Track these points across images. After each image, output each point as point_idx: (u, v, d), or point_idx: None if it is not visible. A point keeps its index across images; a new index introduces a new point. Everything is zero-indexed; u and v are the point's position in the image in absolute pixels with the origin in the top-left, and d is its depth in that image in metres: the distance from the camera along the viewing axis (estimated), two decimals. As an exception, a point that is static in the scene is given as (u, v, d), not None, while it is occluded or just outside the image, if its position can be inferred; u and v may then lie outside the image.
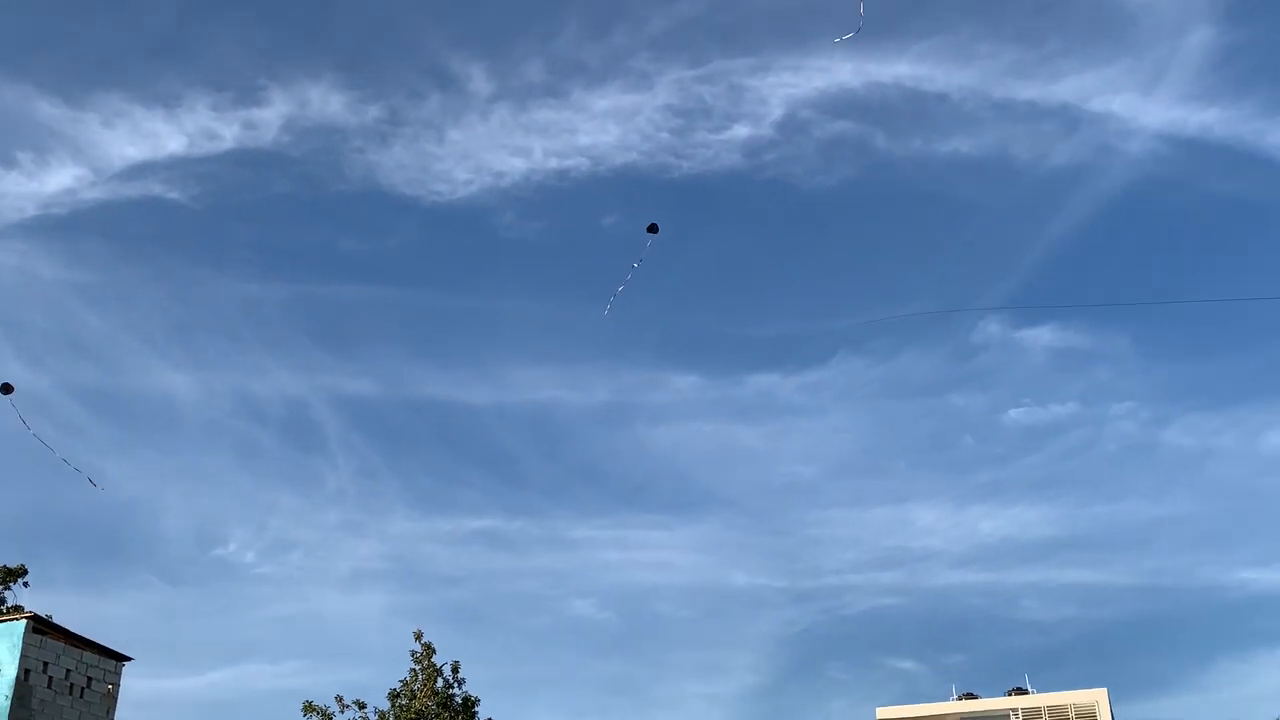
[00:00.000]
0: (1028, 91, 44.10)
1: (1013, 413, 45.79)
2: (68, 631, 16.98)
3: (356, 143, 45.91)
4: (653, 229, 19.26)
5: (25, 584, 21.91)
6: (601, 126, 45.35)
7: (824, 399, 46.88)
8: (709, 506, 46.62)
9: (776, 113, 44.78)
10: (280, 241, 48.30)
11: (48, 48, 47.10)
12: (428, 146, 45.99)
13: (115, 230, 46.18)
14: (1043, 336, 46.04)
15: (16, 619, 16.39)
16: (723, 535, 45.74)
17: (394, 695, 19.12)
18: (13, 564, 22.12)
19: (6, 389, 17.09)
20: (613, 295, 19.63)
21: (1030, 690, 24.95)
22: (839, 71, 44.41)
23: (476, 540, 45.27)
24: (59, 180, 42.15)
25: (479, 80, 46.56)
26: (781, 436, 47.04)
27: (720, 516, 46.20)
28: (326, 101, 45.73)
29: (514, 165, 45.21)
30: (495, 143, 45.77)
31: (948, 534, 44.32)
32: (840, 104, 45.31)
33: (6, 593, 21.69)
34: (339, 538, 45.30)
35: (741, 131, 45.07)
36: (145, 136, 43.84)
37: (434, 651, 19.33)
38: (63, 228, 44.41)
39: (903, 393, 47.10)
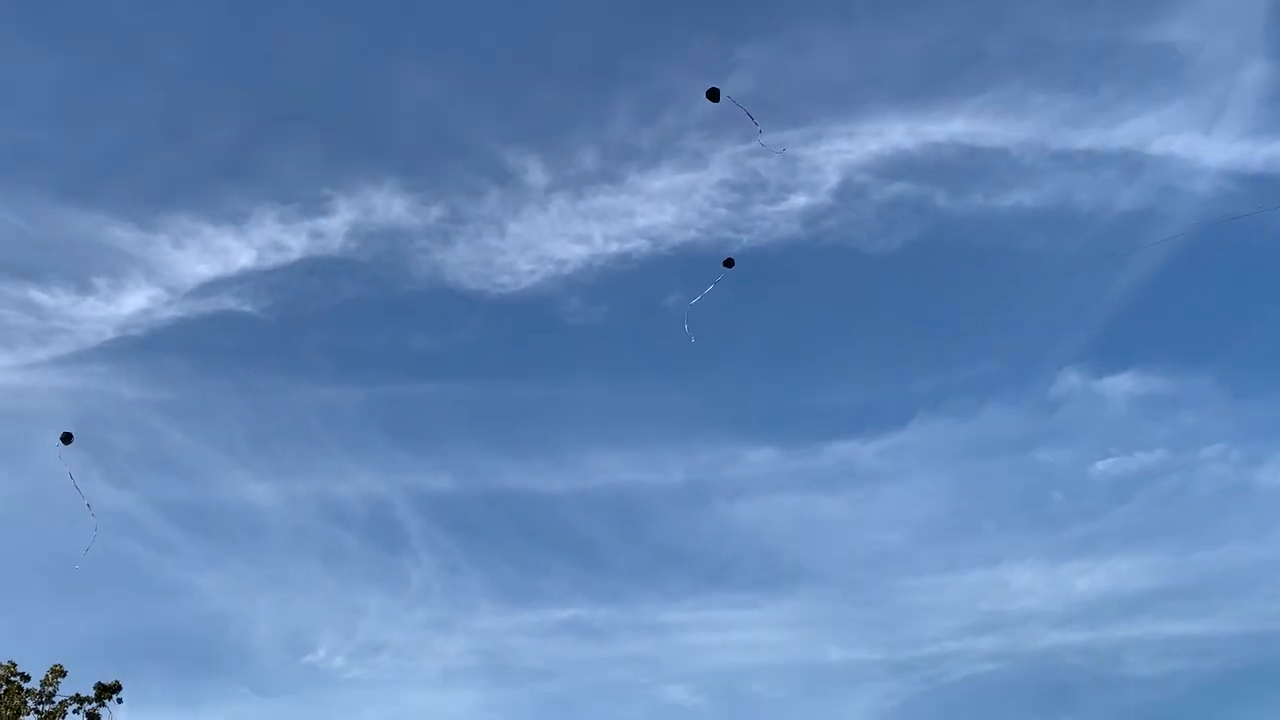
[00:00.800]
0: (1086, 140, 43.70)
1: (1100, 464, 44.68)
2: (164, 743, 16.77)
3: (421, 243, 46.23)
4: (729, 263, 19.40)
5: (119, 700, 21.88)
6: (659, 207, 45.28)
7: (906, 463, 45.90)
8: (797, 581, 45.29)
9: (833, 180, 44.59)
10: (353, 345, 48.41)
11: (117, 175, 48.24)
12: (490, 240, 46.17)
13: (192, 347, 46.41)
14: (1124, 384, 45.26)
15: (113, 733, 16.24)
16: (813, 610, 44.39)
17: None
18: (107, 680, 22.12)
19: (67, 439, 17.23)
20: (691, 305, 19.87)
21: (1147, 746, 23.91)
22: (893, 134, 44.32)
23: (564, 630, 44.24)
24: (135, 302, 43.10)
25: (535, 172, 46.75)
26: (865, 504, 45.99)
27: (809, 590, 44.86)
28: (390, 206, 46.18)
29: (575, 252, 45.33)
30: (555, 232, 45.81)
31: (1045, 593, 42.98)
32: (897, 166, 44.90)
33: (102, 709, 21.64)
34: (427, 636, 44.38)
35: (799, 201, 44.84)
36: (216, 253, 44.72)
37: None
38: (141, 348, 44.87)
39: (987, 451, 46.03)
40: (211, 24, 47.99)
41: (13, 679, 21.74)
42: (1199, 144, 42.94)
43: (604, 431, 47.80)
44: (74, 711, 21.77)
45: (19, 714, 21.22)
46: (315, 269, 46.02)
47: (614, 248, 44.95)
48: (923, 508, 45.66)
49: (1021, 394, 46.13)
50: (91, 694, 21.94)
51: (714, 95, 18.71)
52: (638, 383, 47.92)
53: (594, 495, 47.01)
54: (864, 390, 47.47)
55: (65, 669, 21.78)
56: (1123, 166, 43.87)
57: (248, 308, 44.93)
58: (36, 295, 43.02)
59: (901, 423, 46.70)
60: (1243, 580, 41.94)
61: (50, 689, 21.96)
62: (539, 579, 46.16)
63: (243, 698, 41.92)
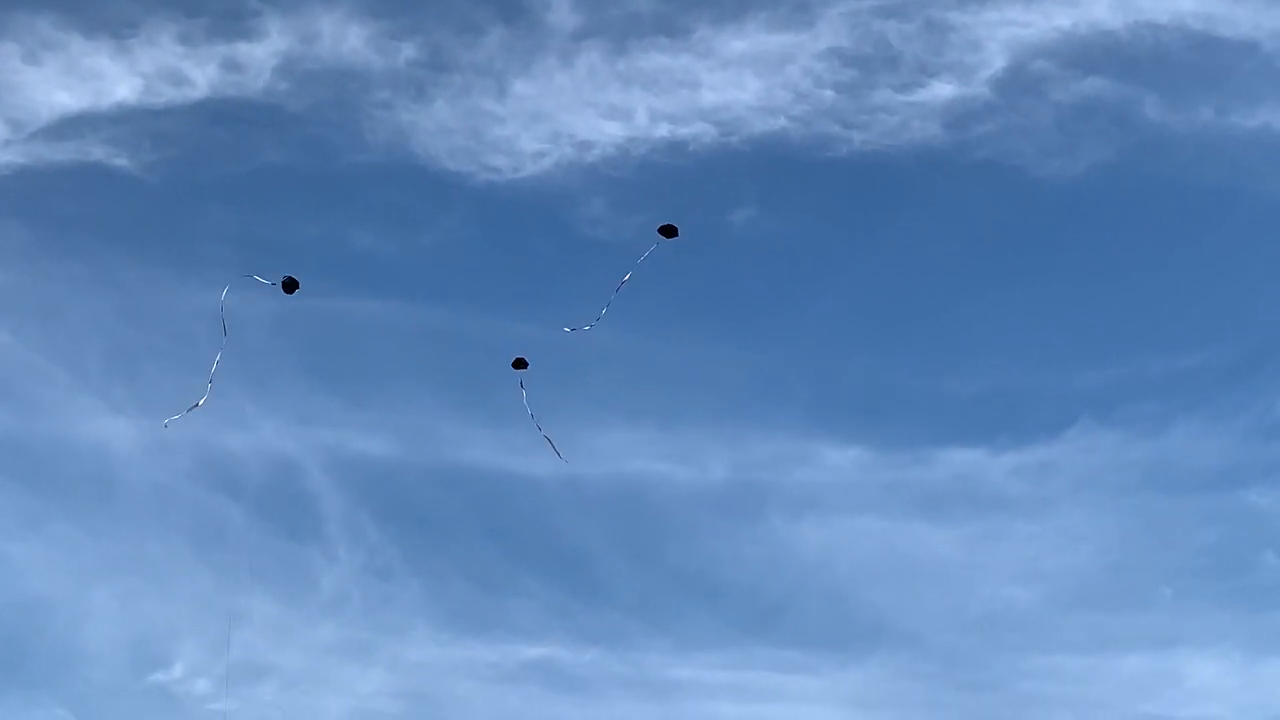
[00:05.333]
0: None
1: (1340, 520, 36.69)
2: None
3: (382, 94, 37.69)
4: (668, 231, 18.87)
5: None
6: (736, 79, 36.45)
7: (1053, 489, 37.75)
8: (876, 642, 37.50)
9: (997, 63, 35.58)
10: (268, 232, 40.29)
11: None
12: (484, 102, 37.58)
13: (37, 210, 38.52)
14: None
15: None
16: (895, 686, 35.95)
17: None
18: None
19: (290, 286, 18.59)
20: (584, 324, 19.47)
21: None
22: (1092, 6, 35.41)
23: (530, 676, 36.63)
24: (-43, 136, 36.03)
25: (560, 8, 37.62)
26: (987, 542, 37.84)
27: (892, 657, 36.53)
28: (342, 35, 37.17)
29: (607, 132, 36.65)
30: (581, 99, 37.18)
31: (1234, 698, 33.71)
32: (1093, 52, 35.83)
33: None
34: (333, 664, 36.73)
35: (943, 90, 36.00)
36: (84, 77, 36.18)
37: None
38: (-40, 204, 37.47)
39: (1174, 485, 37.90)
40: None
41: None
42: None
43: (619, 398, 38.97)
44: None
45: None
46: (225, 116, 37.29)
47: (664, 131, 37.08)
48: (1070, 557, 37.51)
49: (1235, 406, 37.53)
50: None
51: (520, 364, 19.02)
52: (676, 332, 38.98)
53: (596, 488, 38.60)
54: (1005, 376, 38.83)
55: None
56: None
57: (123, 161, 36.55)
58: None
59: (1054, 430, 38.13)
60: None
61: None
62: (503, 599, 38.20)
63: (58, 723, 33.86)
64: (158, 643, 35.47)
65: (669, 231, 19.75)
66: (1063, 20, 35.37)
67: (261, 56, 36.24)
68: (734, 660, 35.95)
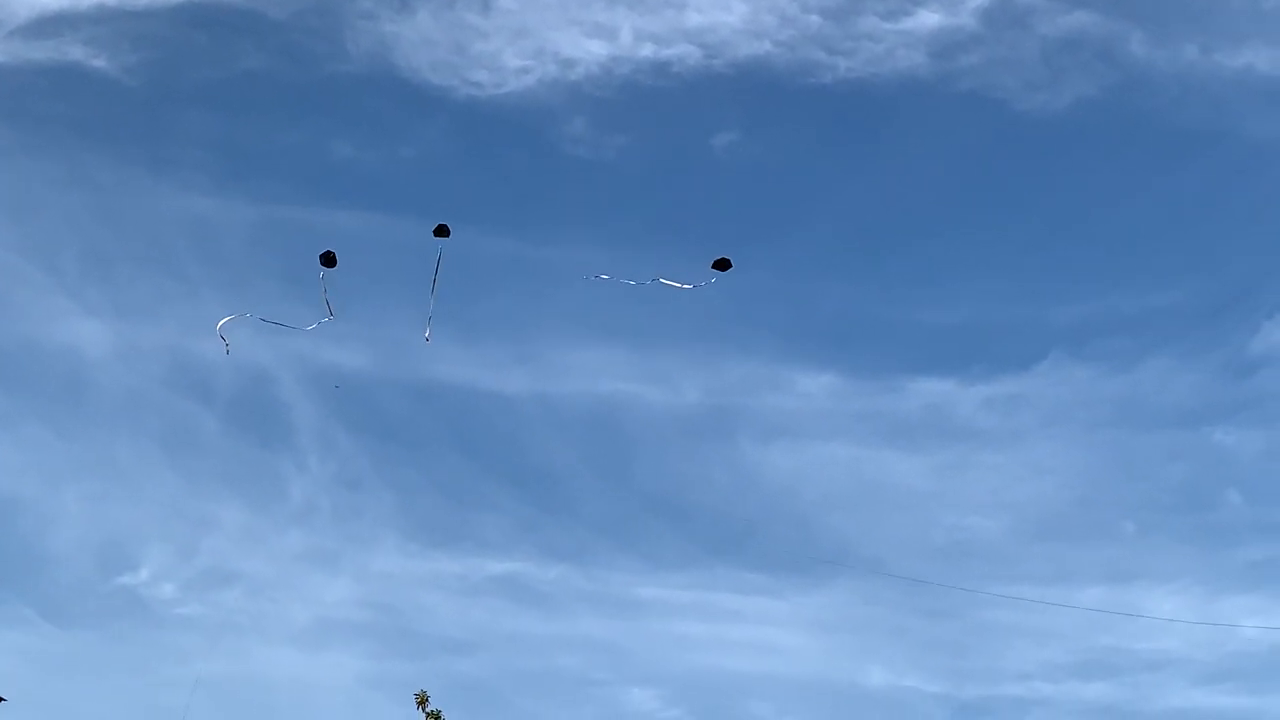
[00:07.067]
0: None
1: (1303, 460, 35.26)
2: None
3: (365, 3, 38.49)
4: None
5: None
6: (722, 0, 37.05)
7: (1022, 421, 38.79)
8: (841, 567, 36.57)
9: None
10: (247, 140, 40.72)
11: None
12: (467, 16, 37.55)
13: (13, 109, 39.16)
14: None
15: None
16: (857, 611, 37.27)
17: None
18: None
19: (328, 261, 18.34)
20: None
21: None
22: None
23: (497, 590, 37.90)
24: (-66, 34, 33.63)
25: None
26: (954, 472, 38.94)
27: (856, 583, 36.41)
28: None
29: (590, 51, 36.53)
30: (565, 17, 37.37)
31: (1193, 634, 34.54)
32: None
33: None
34: (300, 572, 38.24)
35: (929, 20, 36.35)
36: None
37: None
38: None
39: (1142, 421, 38.97)
40: None
41: None
42: None
43: (596, 316, 38.56)
44: None
45: None
46: (206, 20, 37.89)
47: (648, 52, 38.01)
48: (1036, 488, 38.48)
49: (1207, 345, 38.27)
50: None
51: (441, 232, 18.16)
52: (655, 252, 38.26)
53: (568, 406, 39.04)
54: (979, 308, 39.40)
55: None
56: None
57: (101, 63, 36.79)
58: None
59: (1025, 363, 38.75)
60: None
61: None
62: (472, 513, 39.70)
63: (24, 622, 35.89)
64: (125, 546, 36.06)
65: (723, 265, 19.45)
66: (1052, -48, 33.92)
67: (243, -41, 34.78)
68: (699, 581, 36.50)
